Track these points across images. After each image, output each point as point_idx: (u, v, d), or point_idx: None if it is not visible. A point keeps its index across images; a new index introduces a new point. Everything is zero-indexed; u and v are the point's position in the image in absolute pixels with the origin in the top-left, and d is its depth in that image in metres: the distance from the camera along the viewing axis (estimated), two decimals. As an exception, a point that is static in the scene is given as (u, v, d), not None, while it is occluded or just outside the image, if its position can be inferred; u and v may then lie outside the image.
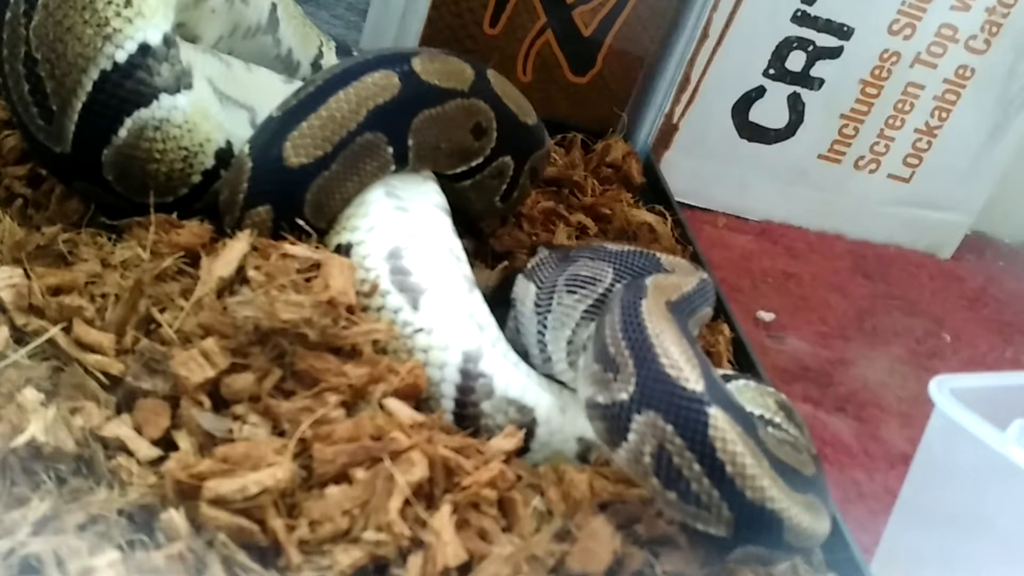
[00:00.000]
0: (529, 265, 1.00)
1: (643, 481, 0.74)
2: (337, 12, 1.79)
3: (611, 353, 0.77)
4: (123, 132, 0.88)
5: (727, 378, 0.94)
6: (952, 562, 1.01)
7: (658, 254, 0.93)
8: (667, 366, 0.73)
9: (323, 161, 0.91)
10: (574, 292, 0.90)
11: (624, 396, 0.74)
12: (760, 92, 1.67)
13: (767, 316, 1.50)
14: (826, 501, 0.78)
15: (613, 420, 0.75)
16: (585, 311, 0.88)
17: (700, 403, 0.71)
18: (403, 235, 0.90)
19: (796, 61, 1.65)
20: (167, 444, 0.73)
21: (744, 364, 1.15)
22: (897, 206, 1.85)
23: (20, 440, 0.67)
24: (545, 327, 0.92)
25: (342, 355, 0.80)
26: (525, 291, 0.96)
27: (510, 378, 0.86)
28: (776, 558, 0.76)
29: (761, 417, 0.88)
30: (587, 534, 0.75)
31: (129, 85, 0.87)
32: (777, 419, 0.88)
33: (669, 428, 0.71)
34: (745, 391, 0.91)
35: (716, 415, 0.71)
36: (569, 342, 0.89)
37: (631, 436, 0.73)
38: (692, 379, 0.72)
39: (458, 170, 1.06)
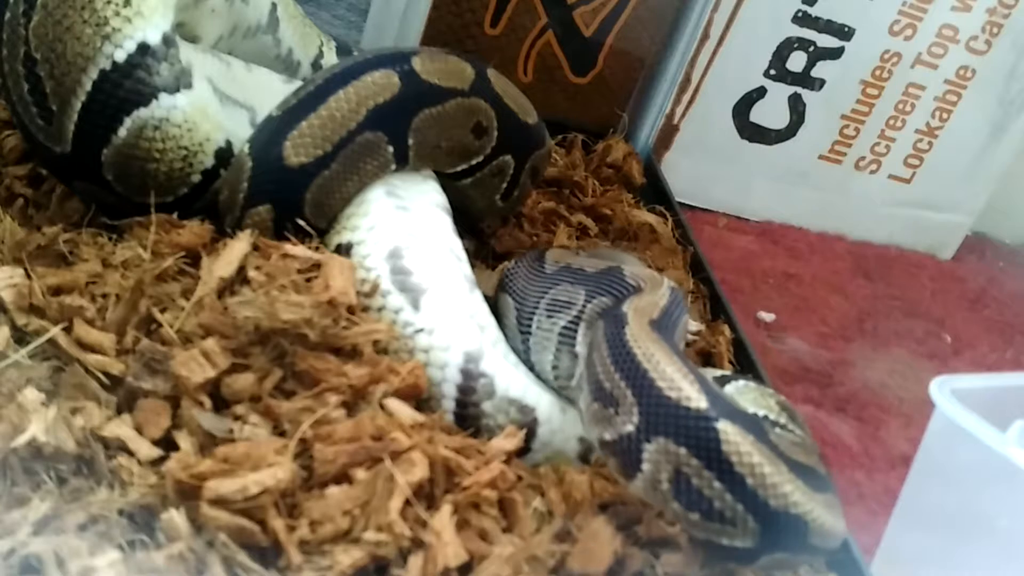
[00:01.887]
0: (501, 280, 1.00)
1: (664, 507, 0.73)
2: (338, 12, 1.78)
3: (607, 388, 0.76)
4: (123, 132, 0.88)
5: (727, 379, 0.94)
6: (952, 563, 1.01)
7: (623, 267, 0.92)
8: (666, 389, 0.72)
9: (323, 160, 0.91)
10: (551, 316, 0.90)
11: (630, 428, 0.73)
12: (761, 93, 1.66)
13: (768, 317, 1.50)
14: (839, 499, 0.78)
15: (624, 454, 0.74)
16: (561, 334, 0.89)
17: (708, 420, 0.70)
18: (403, 235, 0.90)
19: (797, 62, 1.64)
20: (168, 444, 0.73)
21: (745, 365, 1.15)
22: (898, 207, 1.85)
23: (21, 440, 0.67)
24: (529, 348, 0.92)
25: (343, 355, 0.80)
26: (506, 306, 0.96)
27: (511, 378, 0.86)
28: (800, 561, 0.76)
29: (766, 418, 0.87)
30: (587, 535, 0.75)
31: (128, 85, 0.87)
32: (782, 420, 0.87)
33: (682, 451, 0.71)
34: (746, 392, 0.91)
35: (726, 429, 0.70)
36: (554, 367, 0.90)
37: (645, 466, 0.72)
38: (694, 397, 0.71)
39: (458, 169, 1.06)
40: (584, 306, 0.88)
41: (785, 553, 0.73)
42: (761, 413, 0.88)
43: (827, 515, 0.73)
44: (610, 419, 0.75)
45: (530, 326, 0.92)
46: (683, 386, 0.72)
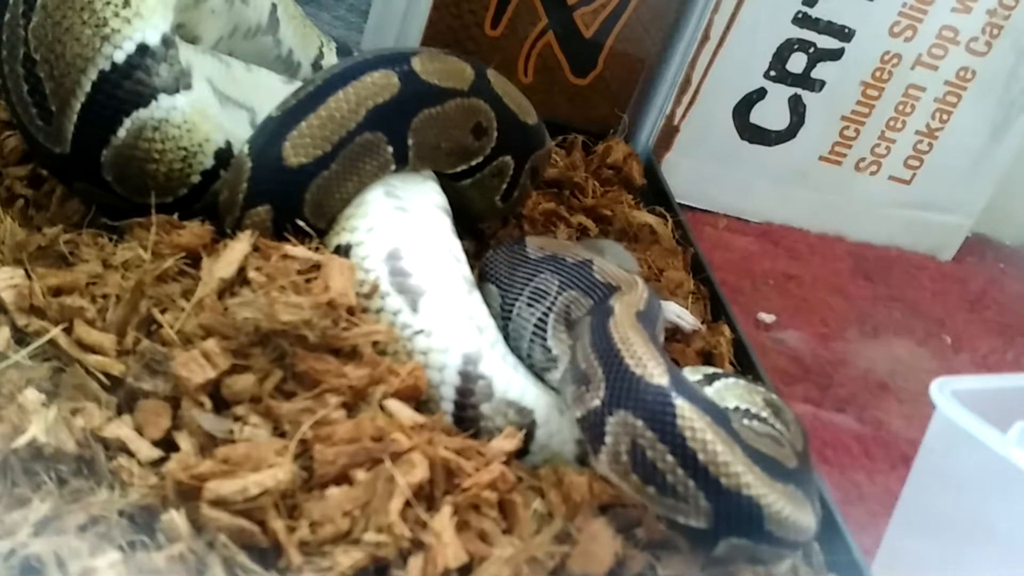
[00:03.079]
0: (482, 270, 1.00)
1: (625, 481, 0.75)
2: (338, 13, 1.78)
3: (583, 368, 0.78)
4: (122, 132, 0.88)
5: (716, 376, 0.94)
6: (953, 564, 1.01)
7: (592, 262, 0.93)
8: (632, 366, 0.75)
9: (322, 161, 0.91)
10: (531, 305, 0.92)
11: (597, 402, 0.76)
12: (761, 94, 1.66)
13: (768, 318, 1.50)
14: (811, 496, 0.78)
15: (591, 428, 0.76)
16: (536, 325, 0.91)
17: (666, 395, 0.73)
18: (402, 236, 0.90)
19: (797, 63, 1.64)
20: (168, 445, 0.73)
21: (745, 365, 1.15)
22: (898, 208, 1.85)
23: (21, 441, 0.67)
24: (508, 335, 0.93)
25: (342, 356, 0.80)
26: (490, 294, 0.97)
27: (509, 380, 0.86)
28: (763, 553, 0.76)
29: (747, 411, 0.89)
30: (588, 536, 0.75)
31: (128, 85, 0.87)
32: (763, 414, 0.89)
33: (639, 423, 0.73)
34: (734, 388, 0.93)
35: (683, 406, 0.72)
36: (528, 356, 0.91)
37: (608, 439, 0.75)
38: (656, 374, 0.74)
39: (458, 169, 1.06)
40: (556, 298, 0.90)
41: (742, 539, 0.74)
42: (743, 407, 0.90)
43: (784, 504, 0.73)
44: (582, 397, 0.78)
45: (511, 312, 0.94)
46: (649, 365, 0.75)
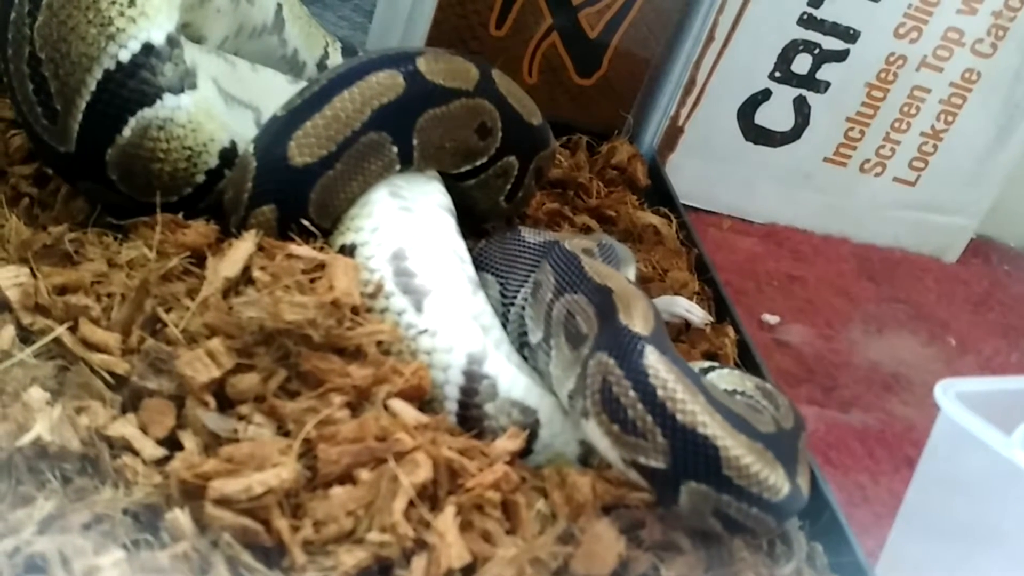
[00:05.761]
0: (474, 258, 1.00)
1: (599, 424, 0.77)
2: (343, 13, 1.79)
3: (584, 332, 0.81)
4: (127, 131, 0.88)
5: (711, 368, 0.95)
6: (957, 567, 1.01)
7: (572, 239, 0.95)
8: (622, 319, 0.78)
9: (327, 160, 0.91)
10: (535, 292, 0.92)
11: (586, 351, 0.79)
12: (766, 95, 1.66)
13: (772, 319, 1.50)
14: (787, 461, 0.77)
15: (579, 378, 0.79)
16: (523, 299, 0.93)
17: (639, 339, 0.76)
18: (407, 236, 0.90)
19: (802, 64, 1.64)
20: (172, 444, 0.73)
21: (749, 366, 1.15)
22: (902, 209, 1.85)
23: (26, 439, 0.68)
24: (507, 319, 0.94)
25: (346, 356, 0.80)
26: (486, 283, 0.98)
27: (514, 380, 0.86)
28: (728, 506, 0.75)
29: (734, 391, 0.91)
30: (591, 537, 0.74)
31: (133, 85, 0.87)
32: (750, 393, 0.90)
33: (611, 361, 0.76)
34: (728, 376, 0.94)
35: (652, 350, 0.76)
36: (520, 334, 0.92)
37: (588, 380, 0.78)
38: (639, 327, 0.78)
39: (463, 169, 1.06)
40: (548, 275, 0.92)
41: (702, 485, 0.74)
42: (730, 388, 0.91)
43: (745, 452, 0.74)
44: (580, 353, 0.80)
45: (513, 299, 0.94)
46: (636, 318, 0.78)
